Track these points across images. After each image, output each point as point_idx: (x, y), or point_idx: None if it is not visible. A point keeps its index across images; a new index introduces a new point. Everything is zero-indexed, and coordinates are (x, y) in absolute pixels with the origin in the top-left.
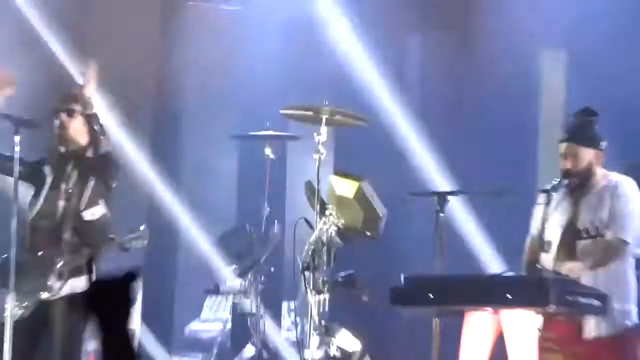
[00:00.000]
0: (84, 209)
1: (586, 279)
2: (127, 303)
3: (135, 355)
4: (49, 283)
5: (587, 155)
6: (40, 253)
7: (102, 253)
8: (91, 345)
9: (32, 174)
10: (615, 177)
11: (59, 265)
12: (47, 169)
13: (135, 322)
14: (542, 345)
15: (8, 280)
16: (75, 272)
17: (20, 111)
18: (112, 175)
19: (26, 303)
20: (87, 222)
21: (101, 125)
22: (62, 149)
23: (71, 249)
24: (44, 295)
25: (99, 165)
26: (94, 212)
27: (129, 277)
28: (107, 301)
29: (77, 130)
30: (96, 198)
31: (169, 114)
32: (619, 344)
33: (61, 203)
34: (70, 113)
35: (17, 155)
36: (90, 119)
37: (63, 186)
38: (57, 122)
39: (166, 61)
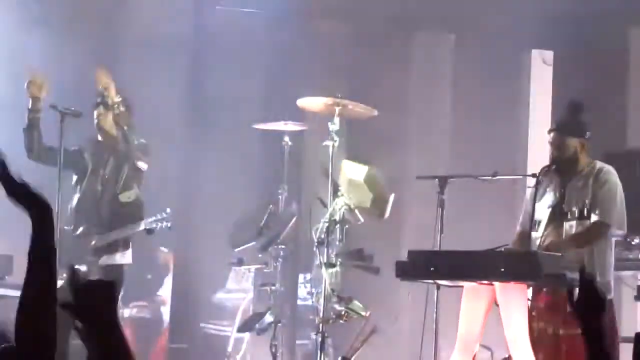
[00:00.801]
0: (120, 192)
1: (571, 256)
2: (110, 300)
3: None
4: (87, 257)
5: (573, 143)
6: (80, 231)
7: (134, 232)
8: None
9: (74, 161)
10: (599, 164)
11: (95, 242)
12: (87, 156)
13: (166, 293)
14: (531, 315)
15: None
16: (110, 249)
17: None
18: (143, 162)
19: (64, 275)
20: (123, 203)
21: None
22: (100, 138)
23: (108, 228)
24: (82, 268)
25: (132, 154)
26: (129, 195)
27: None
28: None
29: (111, 122)
30: (131, 182)
31: (197, 106)
32: None
33: (99, 187)
34: (107, 106)
35: (62, 144)
36: (119, 114)
37: (101, 172)
38: (95, 113)
39: (196, 55)
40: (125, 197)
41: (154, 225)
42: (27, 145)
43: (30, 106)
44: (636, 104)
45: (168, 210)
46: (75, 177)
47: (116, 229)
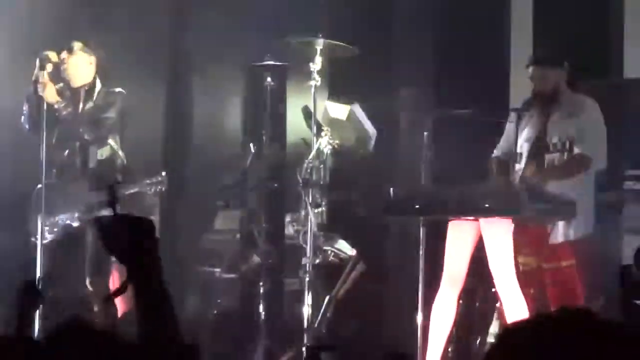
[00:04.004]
0: (97, 149)
1: (551, 188)
2: (150, 238)
3: (166, 289)
4: (76, 215)
5: (553, 75)
6: (70, 187)
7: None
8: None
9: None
10: (581, 97)
11: (85, 197)
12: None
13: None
14: (516, 249)
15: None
16: (101, 206)
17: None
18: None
19: (56, 229)
20: (99, 161)
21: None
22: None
23: (89, 185)
24: (73, 223)
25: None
26: (102, 153)
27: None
28: (130, 233)
29: (81, 70)
30: (103, 139)
31: (179, 50)
32: (582, 246)
33: (76, 142)
34: (71, 51)
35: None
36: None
37: (75, 125)
38: (65, 58)
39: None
40: (99, 153)
41: (148, 189)
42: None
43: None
44: (632, 31)
45: (163, 173)
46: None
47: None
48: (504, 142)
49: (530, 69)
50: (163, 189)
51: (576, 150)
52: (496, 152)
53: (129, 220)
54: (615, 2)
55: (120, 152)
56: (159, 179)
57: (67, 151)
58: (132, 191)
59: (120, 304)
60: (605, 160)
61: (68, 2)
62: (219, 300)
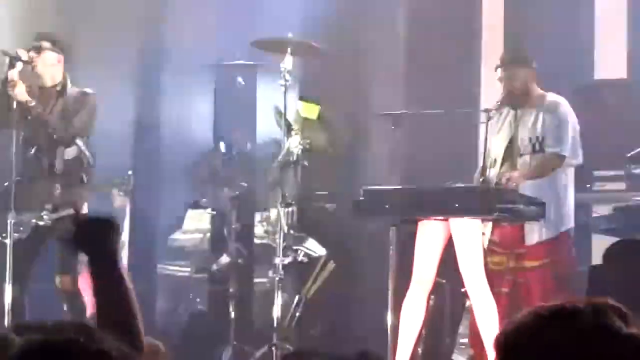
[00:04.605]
0: (64, 148)
1: (526, 188)
2: (112, 237)
3: (128, 291)
4: (43, 214)
5: (521, 74)
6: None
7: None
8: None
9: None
10: (550, 96)
11: (53, 197)
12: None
13: (124, 236)
14: (489, 248)
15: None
16: (68, 204)
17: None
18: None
19: (22, 228)
20: (68, 160)
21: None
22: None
23: (57, 183)
24: (40, 222)
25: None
26: (70, 153)
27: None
28: (93, 234)
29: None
30: (70, 139)
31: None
32: (555, 246)
33: (44, 141)
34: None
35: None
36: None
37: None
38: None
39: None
40: (67, 153)
41: (115, 189)
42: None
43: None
44: (602, 33)
45: (129, 172)
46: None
47: (73, 187)
48: (483, 147)
49: (500, 70)
50: (129, 188)
51: (548, 149)
52: (480, 163)
53: (94, 219)
54: (586, 3)
55: (87, 153)
56: (125, 178)
57: (35, 150)
58: (98, 191)
59: (89, 302)
60: (580, 157)
61: (37, 1)
62: (191, 299)
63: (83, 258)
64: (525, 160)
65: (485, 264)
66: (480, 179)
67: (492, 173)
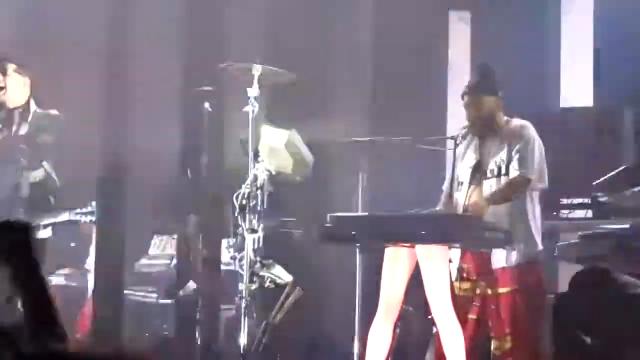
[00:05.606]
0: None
1: (493, 214)
2: (27, 247)
3: (50, 297)
4: None
5: (488, 102)
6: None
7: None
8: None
9: None
10: (515, 120)
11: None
12: None
13: (91, 261)
14: (458, 275)
15: None
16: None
17: None
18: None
19: None
20: (32, 184)
21: None
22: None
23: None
24: None
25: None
26: (36, 175)
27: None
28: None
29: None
30: (36, 161)
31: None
32: (523, 271)
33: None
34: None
35: None
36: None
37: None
38: None
39: (112, 26)
40: (33, 176)
41: (78, 218)
42: None
43: None
44: (568, 61)
45: (93, 203)
46: None
47: (39, 210)
48: (448, 176)
49: (465, 98)
50: (93, 219)
51: (513, 171)
52: (443, 190)
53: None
54: (552, 32)
55: (54, 175)
56: (89, 209)
57: (0, 173)
58: (63, 220)
59: None
60: (546, 181)
61: (2, 23)
62: (157, 325)
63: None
64: (491, 183)
65: (454, 290)
66: (445, 204)
67: (459, 197)
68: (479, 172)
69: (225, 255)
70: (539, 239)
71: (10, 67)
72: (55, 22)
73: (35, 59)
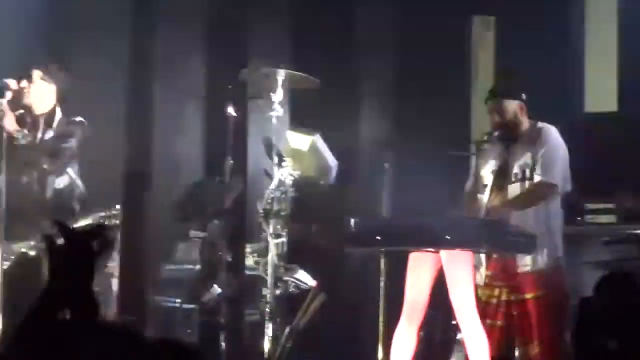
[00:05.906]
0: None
1: (517, 218)
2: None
3: (97, 304)
4: (32, 243)
5: (511, 107)
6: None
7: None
8: None
9: None
10: (540, 124)
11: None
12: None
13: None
14: (483, 280)
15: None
16: (58, 235)
17: None
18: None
19: (12, 257)
20: (57, 190)
21: None
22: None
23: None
24: (31, 252)
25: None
26: (60, 182)
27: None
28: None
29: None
30: (62, 167)
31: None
32: (549, 277)
33: (36, 173)
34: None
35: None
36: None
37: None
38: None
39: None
40: (57, 183)
41: (102, 222)
42: None
43: None
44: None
45: (117, 207)
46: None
47: (64, 217)
48: (472, 177)
49: (489, 103)
50: (117, 222)
51: (538, 178)
52: (467, 187)
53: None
54: (576, 36)
55: (79, 182)
56: (113, 212)
57: (25, 179)
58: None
59: None
60: (568, 186)
61: (29, 30)
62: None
63: None
64: (514, 189)
65: (480, 296)
66: (467, 205)
67: (482, 201)
68: (503, 177)
69: (249, 260)
70: (561, 244)
71: (37, 74)
72: (79, 26)
73: (61, 66)
